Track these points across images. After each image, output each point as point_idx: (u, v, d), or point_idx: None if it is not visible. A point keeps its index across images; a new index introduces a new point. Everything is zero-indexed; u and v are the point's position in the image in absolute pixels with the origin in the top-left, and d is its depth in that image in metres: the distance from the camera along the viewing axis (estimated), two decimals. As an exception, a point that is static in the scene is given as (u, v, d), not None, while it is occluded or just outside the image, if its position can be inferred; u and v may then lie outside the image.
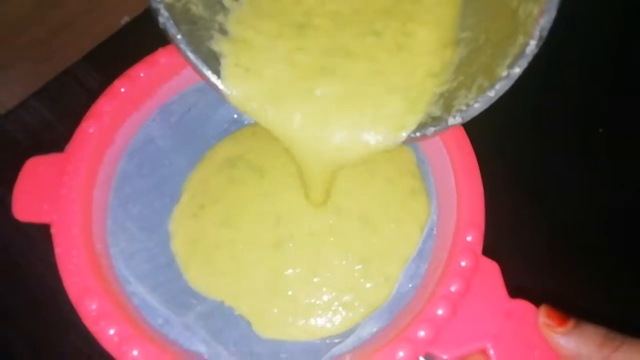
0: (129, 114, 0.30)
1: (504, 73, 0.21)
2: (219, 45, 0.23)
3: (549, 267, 0.32)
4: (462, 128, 0.28)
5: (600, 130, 0.38)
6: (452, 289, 0.24)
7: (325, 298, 0.29)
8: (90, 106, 0.28)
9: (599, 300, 0.31)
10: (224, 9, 0.24)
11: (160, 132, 0.31)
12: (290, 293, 0.29)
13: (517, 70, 0.21)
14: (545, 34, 0.20)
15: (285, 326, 0.28)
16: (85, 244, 0.25)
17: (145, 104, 0.30)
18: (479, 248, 0.26)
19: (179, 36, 0.22)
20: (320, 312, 0.29)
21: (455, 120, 0.22)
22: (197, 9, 0.23)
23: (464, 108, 0.22)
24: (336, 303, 0.29)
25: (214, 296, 0.29)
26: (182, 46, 0.22)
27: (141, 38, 0.30)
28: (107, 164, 0.28)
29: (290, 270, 0.30)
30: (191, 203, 0.31)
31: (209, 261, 0.29)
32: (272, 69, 0.24)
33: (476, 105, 0.21)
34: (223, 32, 0.24)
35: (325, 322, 0.29)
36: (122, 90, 0.29)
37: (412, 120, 0.23)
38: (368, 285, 0.29)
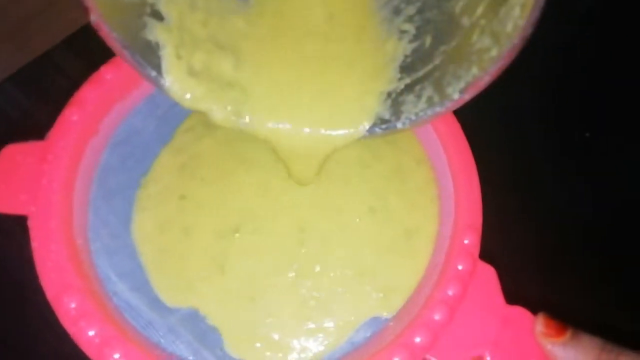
0: (114, 103, 0.28)
1: (455, 95, 0.22)
2: (154, 33, 0.22)
3: (542, 271, 0.32)
4: (460, 128, 0.27)
5: (587, 134, 0.38)
6: (450, 293, 0.24)
7: (309, 314, 0.26)
8: (70, 93, 0.27)
9: (594, 306, 0.31)
10: None
11: (145, 123, 0.30)
12: (267, 309, 0.26)
13: (468, 97, 0.21)
14: (501, 71, 0.21)
15: (255, 349, 0.25)
16: (65, 239, 0.24)
17: (132, 94, 0.29)
18: (476, 251, 0.25)
19: (114, 34, 0.20)
20: (304, 330, 0.26)
21: (404, 126, 0.22)
22: None
23: (413, 117, 0.22)
24: (320, 323, 0.26)
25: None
26: (119, 44, 0.20)
27: None
28: (89, 154, 0.27)
29: (268, 282, 0.26)
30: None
31: (176, 272, 0.27)
32: (217, 59, 0.23)
33: (426, 117, 0.22)
34: (156, 15, 0.22)
35: (310, 343, 0.26)
36: (108, 77, 0.28)
37: (364, 117, 0.23)
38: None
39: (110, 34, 0.20)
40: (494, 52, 0.21)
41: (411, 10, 0.24)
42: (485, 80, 0.21)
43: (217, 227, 0.27)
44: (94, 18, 0.20)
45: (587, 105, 0.37)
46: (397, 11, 0.25)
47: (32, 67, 0.41)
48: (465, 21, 0.23)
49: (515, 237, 0.32)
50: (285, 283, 0.26)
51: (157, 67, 0.22)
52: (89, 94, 0.27)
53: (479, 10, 0.22)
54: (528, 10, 0.20)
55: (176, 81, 0.22)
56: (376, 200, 0.28)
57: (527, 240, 0.33)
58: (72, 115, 0.26)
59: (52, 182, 0.24)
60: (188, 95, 0.22)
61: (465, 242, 0.25)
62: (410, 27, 0.24)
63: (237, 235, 0.27)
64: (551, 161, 0.36)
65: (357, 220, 0.28)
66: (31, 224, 0.24)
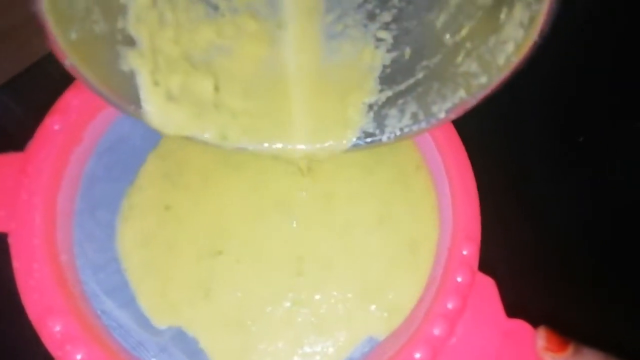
0: (99, 109, 0.27)
1: (441, 115, 0.21)
2: (128, 61, 0.21)
3: (544, 282, 0.32)
4: (457, 136, 0.27)
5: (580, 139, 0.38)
6: (449, 306, 0.23)
7: (305, 340, 0.25)
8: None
9: (597, 318, 0.30)
10: (121, 9, 0.21)
11: (133, 130, 0.29)
12: (259, 336, 0.25)
13: (454, 117, 0.21)
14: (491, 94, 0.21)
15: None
16: (48, 256, 0.23)
17: (117, 99, 0.28)
18: (475, 263, 0.24)
19: (87, 79, 0.20)
20: (299, 353, 0.25)
21: (390, 140, 0.22)
22: (99, 26, 0.20)
23: (397, 132, 0.22)
24: (316, 347, 0.25)
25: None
26: (94, 88, 0.20)
27: None
28: (73, 164, 0.26)
29: (259, 310, 0.25)
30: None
31: (161, 291, 0.25)
32: (195, 80, 0.22)
33: (411, 132, 0.22)
34: (128, 42, 0.21)
35: None
36: (92, 83, 0.26)
37: (349, 133, 0.23)
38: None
39: (84, 79, 0.20)
40: (483, 80, 0.21)
41: (387, 17, 0.24)
42: (473, 103, 0.21)
43: (200, 246, 0.26)
44: (67, 63, 0.19)
45: (583, 110, 0.37)
46: (371, 16, 0.24)
47: (24, 75, 0.39)
48: (448, 40, 0.22)
49: (515, 247, 0.32)
50: (280, 312, 0.25)
51: (136, 98, 0.21)
52: (72, 100, 0.26)
53: (463, 31, 0.22)
54: (525, 50, 0.20)
55: (156, 109, 0.21)
56: (383, 208, 0.27)
57: (527, 251, 0.32)
58: (53, 124, 0.25)
59: (32, 196, 0.23)
60: (170, 123, 0.21)
61: (464, 253, 0.24)
62: (386, 36, 0.24)
63: (220, 257, 0.26)
64: (550, 168, 0.36)
65: (365, 234, 0.27)
66: (11, 242, 0.22)
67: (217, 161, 0.28)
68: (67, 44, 0.19)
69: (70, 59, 0.19)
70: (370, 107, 0.23)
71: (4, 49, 0.40)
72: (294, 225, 0.27)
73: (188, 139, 0.22)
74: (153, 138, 0.29)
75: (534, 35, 0.19)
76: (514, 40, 0.20)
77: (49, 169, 0.24)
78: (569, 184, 0.35)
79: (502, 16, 0.20)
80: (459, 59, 0.22)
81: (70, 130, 0.26)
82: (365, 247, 0.27)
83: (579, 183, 0.35)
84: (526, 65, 0.20)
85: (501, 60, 0.20)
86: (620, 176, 0.35)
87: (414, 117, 0.22)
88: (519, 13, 0.20)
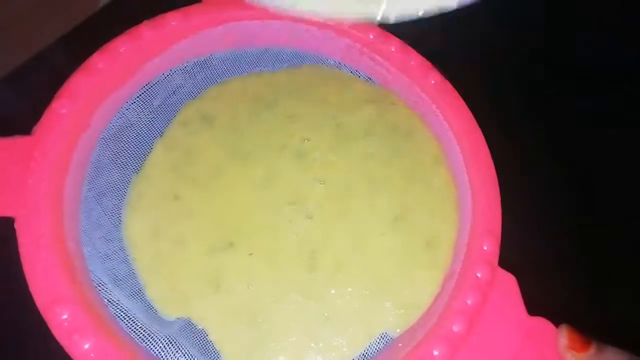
0: (106, 94, 0.26)
1: None
2: None
3: (566, 279, 0.31)
4: (478, 127, 0.26)
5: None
6: (468, 302, 0.23)
7: (318, 335, 0.24)
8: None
9: (621, 316, 0.30)
10: None
11: (139, 116, 0.28)
12: (270, 332, 0.24)
13: None
14: None
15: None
16: (56, 243, 0.22)
17: (125, 84, 0.27)
18: (495, 258, 0.24)
19: None
20: (312, 348, 0.24)
21: None
22: None
23: None
24: (330, 342, 0.24)
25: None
26: None
27: (122, 22, 0.27)
28: (80, 150, 0.25)
29: (270, 305, 0.24)
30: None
31: (171, 283, 0.25)
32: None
33: None
34: None
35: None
36: (100, 66, 0.26)
37: None
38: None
39: None
40: None
41: None
42: None
43: (211, 237, 0.25)
44: None
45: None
46: None
47: (26, 67, 0.39)
48: None
49: (536, 244, 0.31)
50: (291, 306, 0.25)
51: None
52: (79, 84, 0.25)
53: None
54: None
55: None
56: (401, 202, 0.26)
57: (548, 247, 0.32)
58: (61, 108, 0.24)
59: (40, 181, 0.22)
60: None
61: (484, 248, 0.24)
62: None
63: (232, 249, 0.25)
64: (572, 163, 0.35)
65: (381, 228, 0.26)
66: (18, 227, 0.22)
67: (225, 151, 0.28)
68: None
69: None
70: None
71: (4, 41, 0.39)
72: (308, 218, 0.26)
73: None
74: (159, 126, 0.28)
75: None
76: None
77: (56, 153, 0.24)
78: (590, 177, 0.34)
79: None
80: None
81: (78, 114, 0.25)
82: (381, 242, 0.26)
83: (601, 176, 0.34)
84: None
85: None
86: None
87: None
88: None
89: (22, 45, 0.40)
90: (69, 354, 0.20)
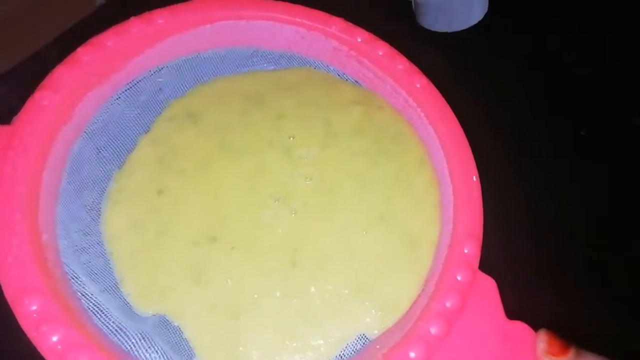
0: (90, 87, 0.26)
1: None
2: None
3: (545, 283, 0.31)
4: (461, 131, 0.26)
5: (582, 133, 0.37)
6: (447, 304, 0.22)
7: (295, 333, 0.24)
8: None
9: (600, 321, 0.29)
10: None
11: (125, 111, 0.28)
12: (247, 327, 0.24)
13: None
14: None
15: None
16: (29, 233, 0.21)
17: (111, 79, 0.27)
18: (476, 262, 0.24)
19: None
20: (288, 348, 0.23)
21: None
22: None
23: None
24: (307, 341, 0.24)
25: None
26: None
27: (118, 22, 0.27)
28: (61, 142, 0.25)
29: (250, 300, 0.24)
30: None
31: (149, 278, 0.24)
32: None
33: None
34: None
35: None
36: (85, 59, 0.25)
37: None
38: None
39: None
40: None
41: None
42: None
43: (194, 231, 0.25)
44: None
45: (582, 105, 0.36)
46: None
47: (22, 67, 0.39)
48: None
49: (517, 247, 0.31)
50: (270, 302, 0.24)
51: None
52: (62, 76, 0.25)
53: None
54: None
55: None
56: (385, 203, 0.26)
57: (529, 251, 0.32)
58: (42, 100, 0.24)
59: (16, 170, 0.22)
60: None
61: (465, 251, 0.24)
62: None
63: (214, 244, 0.25)
64: (555, 166, 0.35)
65: (364, 229, 0.26)
66: (-9, 215, 0.21)
67: (214, 146, 0.27)
68: None
69: None
70: None
71: (1, 40, 0.40)
72: (292, 214, 0.26)
73: None
74: (145, 122, 0.28)
75: None
76: None
77: (35, 144, 0.23)
78: (575, 183, 0.34)
79: None
80: None
81: (60, 106, 0.25)
82: (363, 242, 0.25)
83: (583, 179, 0.34)
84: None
85: None
86: (624, 174, 0.34)
87: None
88: None
89: (19, 44, 0.41)
90: (36, 346, 0.20)
